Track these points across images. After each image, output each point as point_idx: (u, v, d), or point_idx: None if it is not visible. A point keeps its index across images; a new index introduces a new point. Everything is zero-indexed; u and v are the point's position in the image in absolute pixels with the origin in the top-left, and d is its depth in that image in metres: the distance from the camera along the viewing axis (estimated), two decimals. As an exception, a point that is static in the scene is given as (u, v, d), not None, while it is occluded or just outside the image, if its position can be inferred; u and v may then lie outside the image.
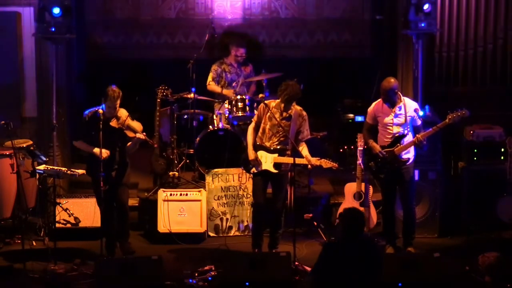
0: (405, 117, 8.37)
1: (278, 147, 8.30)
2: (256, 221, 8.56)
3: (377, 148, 8.45)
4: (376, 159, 8.47)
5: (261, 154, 8.32)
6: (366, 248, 6.48)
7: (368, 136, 8.57)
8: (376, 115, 8.50)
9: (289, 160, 8.21)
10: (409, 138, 8.40)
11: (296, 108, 8.31)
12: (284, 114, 8.28)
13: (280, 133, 8.27)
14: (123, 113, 8.33)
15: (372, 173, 8.61)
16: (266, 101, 8.38)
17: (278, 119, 8.23)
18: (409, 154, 8.44)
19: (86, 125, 8.31)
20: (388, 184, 8.53)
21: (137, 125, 8.39)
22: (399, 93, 8.46)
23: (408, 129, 8.41)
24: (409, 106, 8.41)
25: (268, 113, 8.30)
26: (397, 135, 8.40)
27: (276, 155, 8.29)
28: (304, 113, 8.38)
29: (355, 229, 6.49)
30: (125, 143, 8.39)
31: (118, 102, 8.23)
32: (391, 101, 8.38)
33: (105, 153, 8.15)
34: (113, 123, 8.29)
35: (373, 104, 8.58)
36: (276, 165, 8.28)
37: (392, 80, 8.41)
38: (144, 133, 8.38)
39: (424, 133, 8.33)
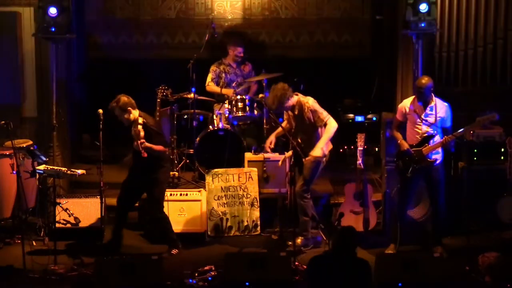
0: (435, 117, 8.34)
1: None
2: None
3: (405, 145, 8.41)
4: (404, 158, 8.43)
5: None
6: (354, 267, 6.36)
7: (398, 134, 8.53)
8: (407, 112, 8.47)
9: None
10: (437, 138, 8.36)
11: (301, 102, 8.57)
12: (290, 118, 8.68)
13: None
14: (138, 120, 8.34)
15: (399, 172, 8.55)
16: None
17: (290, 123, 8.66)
18: (438, 155, 8.39)
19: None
20: (412, 183, 8.48)
21: (136, 133, 8.34)
22: (432, 93, 8.44)
23: (437, 129, 8.40)
24: (440, 107, 8.39)
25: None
26: (425, 135, 8.36)
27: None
28: (306, 105, 8.54)
29: (344, 248, 6.39)
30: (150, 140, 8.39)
31: (119, 111, 8.28)
32: (425, 100, 8.35)
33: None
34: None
35: (405, 101, 8.55)
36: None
37: (427, 78, 8.37)
38: (140, 141, 8.23)
39: (453, 134, 8.30)
